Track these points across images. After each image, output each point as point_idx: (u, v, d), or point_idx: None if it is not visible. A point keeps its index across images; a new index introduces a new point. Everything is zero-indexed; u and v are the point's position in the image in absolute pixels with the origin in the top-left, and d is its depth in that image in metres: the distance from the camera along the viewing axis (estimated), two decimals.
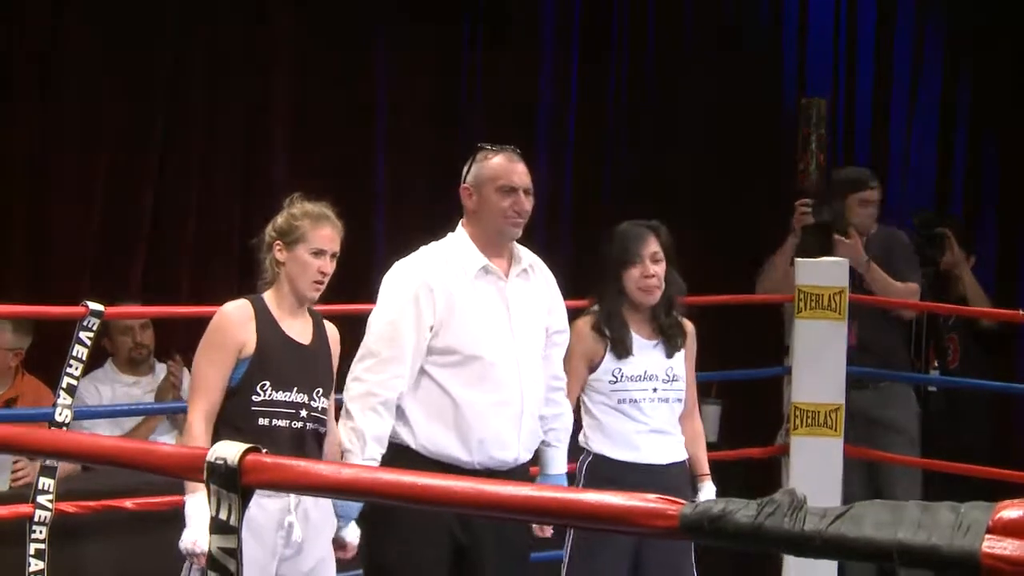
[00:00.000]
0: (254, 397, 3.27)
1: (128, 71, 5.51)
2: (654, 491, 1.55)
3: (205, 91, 5.71)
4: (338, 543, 3.41)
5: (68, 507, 3.84)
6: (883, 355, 5.28)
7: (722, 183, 6.59)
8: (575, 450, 3.83)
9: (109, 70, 5.47)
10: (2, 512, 3.80)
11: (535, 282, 3.58)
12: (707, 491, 3.91)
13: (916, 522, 1.35)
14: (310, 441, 3.34)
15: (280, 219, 3.39)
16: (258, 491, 1.68)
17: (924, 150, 6.85)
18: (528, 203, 3.48)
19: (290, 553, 3.29)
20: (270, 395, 3.27)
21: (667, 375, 3.84)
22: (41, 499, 3.76)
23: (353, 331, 3.53)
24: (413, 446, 3.40)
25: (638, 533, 1.57)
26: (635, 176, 6.55)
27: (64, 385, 3.78)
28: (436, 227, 3.60)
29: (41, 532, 3.76)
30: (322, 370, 3.41)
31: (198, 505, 3.13)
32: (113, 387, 4.93)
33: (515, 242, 3.54)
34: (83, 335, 3.79)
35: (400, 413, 3.40)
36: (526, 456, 3.52)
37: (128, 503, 3.96)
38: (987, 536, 1.33)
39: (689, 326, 3.94)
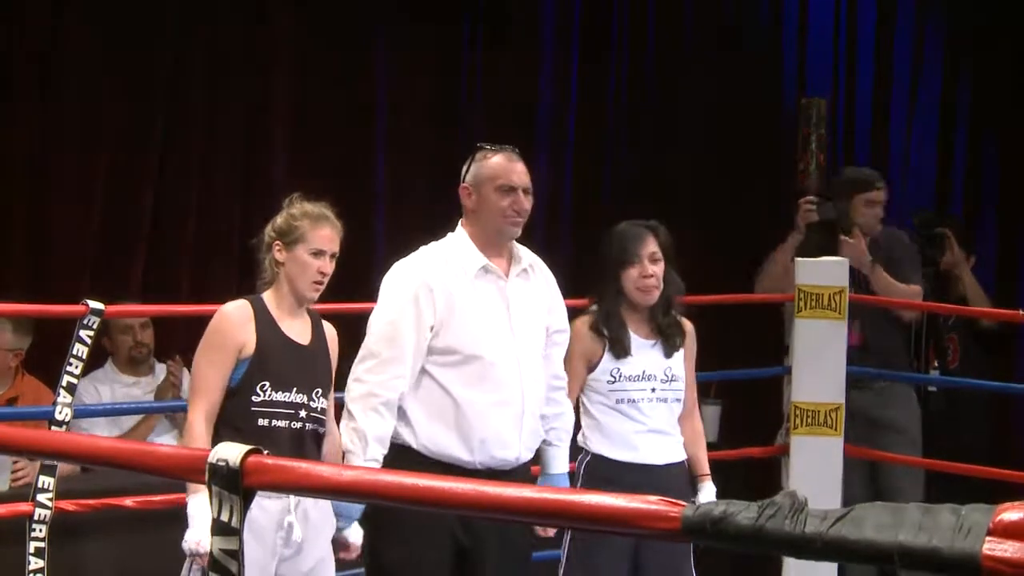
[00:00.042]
0: (254, 397, 3.27)
1: (128, 71, 5.51)
2: (652, 491, 1.56)
3: (205, 91, 5.71)
4: (342, 544, 3.41)
5: (68, 505, 3.84)
6: (884, 356, 5.28)
7: (722, 183, 6.59)
8: (574, 450, 3.83)
9: (109, 70, 5.47)
10: (2, 511, 3.79)
11: (535, 281, 3.58)
12: (707, 491, 3.90)
13: (917, 524, 1.35)
14: (309, 441, 3.34)
15: (279, 219, 3.40)
16: (258, 492, 1.68)
17: (924, 150, 6.85)
18: (527, 202, 3.47)
19: (290, 553, 3.29)
20: (270, 395, 3.28)
21: (666, 375, 3.84)
22: (41, 497, 3.75)
23: (353, 331, 3.53)
24: (414, 446, 3.40)
25: (640, 535, 1.57)
26: (635, 176, 6.55)
27: (64, 383, 3.78)
28: (436, 227, 3.60)
29: (41, 531, 3.75)
30: (321, 370, 3.41)
31: (201, 505, 3.12)
32: (113, 387, 4.92)
33: (515, 242, 3.54)
34: (83, 333, 3.79)
35: (401, 413, 3.39)
36: (527, 455, 3.52)
37: (128, 501, 3.96)
38: (988, 538, 1.33)
39: (688, 326, 3.93)
